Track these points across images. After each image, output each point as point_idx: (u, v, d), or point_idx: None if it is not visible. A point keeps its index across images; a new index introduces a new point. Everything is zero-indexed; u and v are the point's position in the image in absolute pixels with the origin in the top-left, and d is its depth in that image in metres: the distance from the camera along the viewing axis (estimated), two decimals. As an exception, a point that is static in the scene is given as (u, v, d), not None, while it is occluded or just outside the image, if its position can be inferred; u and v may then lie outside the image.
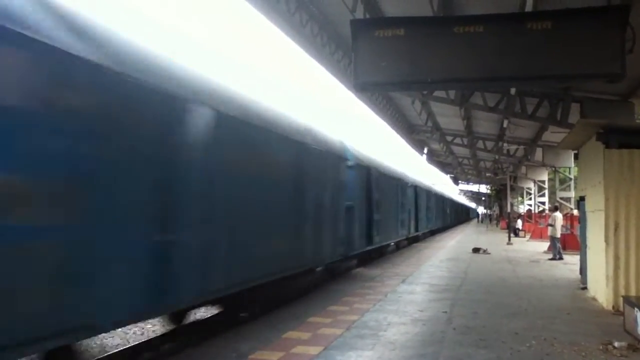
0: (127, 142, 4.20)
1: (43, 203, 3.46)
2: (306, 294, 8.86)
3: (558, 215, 16.37)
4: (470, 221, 74.68)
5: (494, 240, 25.37)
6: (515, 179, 32.40)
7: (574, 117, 11.04)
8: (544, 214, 28.67)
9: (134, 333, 7.35)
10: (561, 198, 24.63)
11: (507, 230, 26.17)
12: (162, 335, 6.72)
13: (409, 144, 25.96)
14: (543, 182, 29.68)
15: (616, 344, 5.63)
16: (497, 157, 25.24)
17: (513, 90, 11.52)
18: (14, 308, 3.22)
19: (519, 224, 31.14)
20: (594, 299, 8.73)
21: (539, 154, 21.90)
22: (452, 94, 13.06)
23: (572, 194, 23.87)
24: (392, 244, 18.15)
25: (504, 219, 36.71)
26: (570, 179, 24.40)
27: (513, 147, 22.86)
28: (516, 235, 27.92)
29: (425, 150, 29.24)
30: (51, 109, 3.53)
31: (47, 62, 3.46)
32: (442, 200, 35.97)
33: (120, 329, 7.05)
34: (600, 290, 8.21)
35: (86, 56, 3.74)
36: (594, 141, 8.10)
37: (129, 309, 4.29)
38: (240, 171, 6.13)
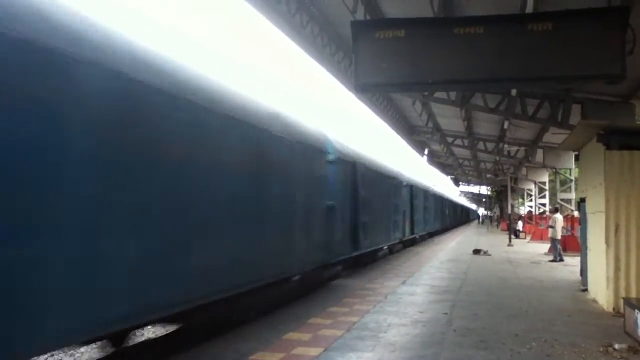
0: None
1: None
2: (287, 304, 7.92)
3: (558, 216, 16.37)
4: (471, 223, 74.62)
5: (495, 241, 25.36)
6: (515, 180, 32.35)
7: (574, 118, 11.05)
8: (544, 216, 28.65)
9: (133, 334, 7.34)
10: (562, 199, 24.58)
11: (507, 232, 26.14)
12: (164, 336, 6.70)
13: (410, 145, 25.96)
14: (544, 183, 29.63)
15: (616, 346, 5.62)
16: (497, 158, 25.21)
17: (514, 92, 11.52)
18: None
19: (520, 225, 31.14)
20: (594, 300, 8.72)
21: (539, 155, 21.82)
22: (452, 95, 13.06)
23: (572, 195, 23.79)
24: (385, 247, 16.63)
25: (505, 221, 36.71)
26: (571, 180, 24.34)
27: (514, 149, 22.83)
28: (517, 236, 27.91)
29: (426, 152, 29.23)
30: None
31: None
32: (441, 201, 35.05)
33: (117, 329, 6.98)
34: (601, 291, 8.21)
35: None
36: (595, 142, 8.11)
37: None
38: (156, 161, 4.69)
